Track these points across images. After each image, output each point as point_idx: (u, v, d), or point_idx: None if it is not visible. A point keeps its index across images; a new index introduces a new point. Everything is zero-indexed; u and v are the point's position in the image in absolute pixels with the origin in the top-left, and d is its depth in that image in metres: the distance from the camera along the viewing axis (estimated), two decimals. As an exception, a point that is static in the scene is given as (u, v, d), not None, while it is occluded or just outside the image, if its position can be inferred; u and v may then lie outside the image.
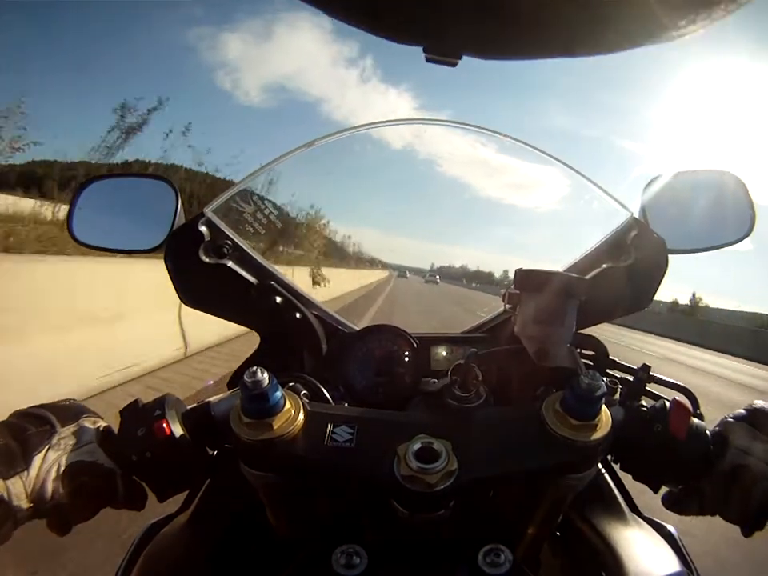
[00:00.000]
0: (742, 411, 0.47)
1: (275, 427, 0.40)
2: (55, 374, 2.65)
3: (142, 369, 3.45)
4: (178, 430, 0.44)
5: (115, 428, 0.45)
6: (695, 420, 0.46)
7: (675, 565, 0.47)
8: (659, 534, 0.54)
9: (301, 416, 0.42)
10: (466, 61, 0.31)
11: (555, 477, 0.43)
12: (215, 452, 0.49)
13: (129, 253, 0.71)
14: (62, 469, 0.40)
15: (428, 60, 0.31)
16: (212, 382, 3.41)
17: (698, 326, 17.19)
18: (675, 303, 29.42)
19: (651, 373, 0.59)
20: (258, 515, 0.48)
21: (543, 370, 0.57)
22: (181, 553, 0.49)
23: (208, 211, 0.67)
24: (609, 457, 0.53)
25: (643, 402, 0.52)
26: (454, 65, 0.32)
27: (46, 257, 3.43)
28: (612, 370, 0.65)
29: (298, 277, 6.71)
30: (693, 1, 0.23)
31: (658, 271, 0.64)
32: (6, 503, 0.37)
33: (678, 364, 9.09)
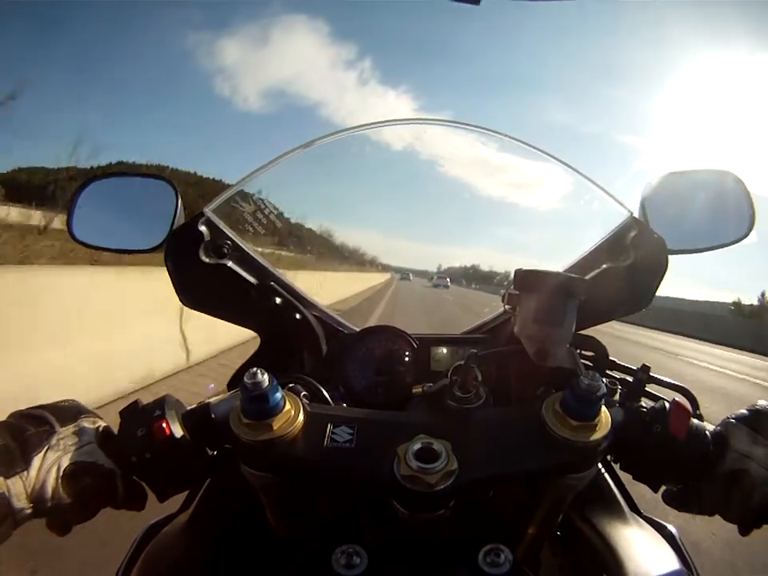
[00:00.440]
0: (744, 412, 0.46)
1: (275, 428, 0.40)
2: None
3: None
4: (178, 431, 0.44)
5: (115, 428, 0.45)
6: (695, 421, 0.46)
7: (675, 565, 0.47)
8: (659, 533, 0.54)
9: (301, 417, 0.42)
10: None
11: (555, 477, 0.43)
12: (215, 452, 0.49)
13: (129, 253, 0.71)
14: (62, 469, 0.40)
15: None
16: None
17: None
18: (738, 305, 22.77)
19: (651, 373, 0.59)
20: (258, 515, 0.48)
21: (543, 371, 0.57)
22: (181, 553, 0.50)
23: (208, 211, 0.67)
24: (609, 457, 0.53)
25: (643, 403, 0.52)
26: (477, 2, 0.31)
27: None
28: (612, 370, 0.65)
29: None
30: None
31: (658, 271, 0.64)
32: (6, 503, 0.37)
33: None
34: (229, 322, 0.72)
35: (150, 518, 0.57)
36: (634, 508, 0.59)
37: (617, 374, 0.64)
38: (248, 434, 0.40)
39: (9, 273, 2.84)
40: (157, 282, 3.35)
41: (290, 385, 0.54)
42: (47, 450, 0.40)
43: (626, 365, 0.64)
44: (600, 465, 0.59)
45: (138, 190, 0.76)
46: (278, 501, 0.46)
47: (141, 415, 0.44)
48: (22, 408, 0.43)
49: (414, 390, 0.59)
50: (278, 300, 0.72)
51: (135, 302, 3.50)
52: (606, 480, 0.60)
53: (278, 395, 0.41)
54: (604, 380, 0.42)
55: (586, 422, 0.41)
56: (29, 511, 0.38)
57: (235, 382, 0.67)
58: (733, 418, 0.46)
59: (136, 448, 0.43)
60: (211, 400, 0.49)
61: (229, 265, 0.69)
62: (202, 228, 0.66)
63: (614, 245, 0.69)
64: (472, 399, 0.51)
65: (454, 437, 0.41)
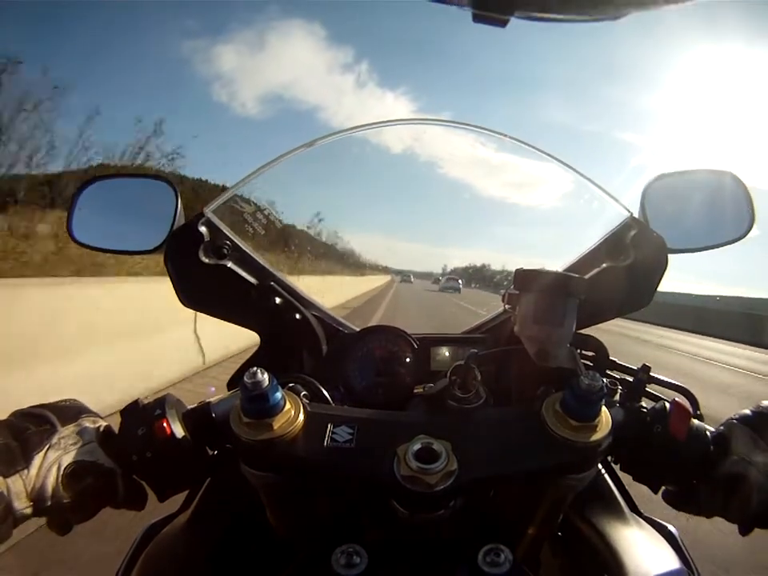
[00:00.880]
0: (747, 413, 0.46)
1: (275, 427, 0.40)
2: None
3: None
4: (178, 430, 0.44)
5: (115, 428, 0.45)
6: (695, 421, 0.46)
7: (676, 564, 0.47)
8: (660, 533, 0.54)
9: (301, 416, 0.42)
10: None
11: (555, 477, 0.43)
12: (215, 452, 0.49)
13: (129, 254, 0.71)
14: (62, 468, 0.40)
15: (476, 19, 0.30)
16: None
17: None
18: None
19: (651, 374, 0.59)
20: (258, 515, 0.48)
21: (543, 371, 0.56)
22: (181, 553, 0.50)
23: (208, 211, 0.67)
24: (609, 457, 0.53)
25: (643, 403, 0.52)
26: (503, 24, 0.31)
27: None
28: (612, 370, 0.65)
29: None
30: None
31: (658, 270, 0.64)
32: (6, 502, 0.37)
33: None
34: (229, 321, 0.72)
35: (149, 518, 0.57)
36: (634, 508, 0.59)
37: (617, 374, 0.64)
38: (248, 434, 0.40)
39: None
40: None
41: (290, 384, 0.54)
42: (48, 448, 0.40)
43: (627, 365, 0.64)
44: (600, 465, 0.58)
45: (137, 190, 0.76)
46: (278, 500, 0.46)
47: (141, 414, 0.44)
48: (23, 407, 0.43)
49: (414, 390, 0.59)
50: (277, 300, 0.72)
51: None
52: (606, 480, 0.60)
53: (278, 395, 0.41)
54: (604, 380, 0.42)
55: (586, 422, 0.41)
56: (29, 510, 0.38)
57: (235, 381, 0.67)
58: (735, 419, 0.46)
59: (136, 447, 0.43)
60: (211, 399, 0.49)
61: (229, 265, 0.69)
62: (202, 228, 0.66)
63: (614, 244, 0.69)
64: (472, 399, 0.51)
65: (454, 437, 0.41)
